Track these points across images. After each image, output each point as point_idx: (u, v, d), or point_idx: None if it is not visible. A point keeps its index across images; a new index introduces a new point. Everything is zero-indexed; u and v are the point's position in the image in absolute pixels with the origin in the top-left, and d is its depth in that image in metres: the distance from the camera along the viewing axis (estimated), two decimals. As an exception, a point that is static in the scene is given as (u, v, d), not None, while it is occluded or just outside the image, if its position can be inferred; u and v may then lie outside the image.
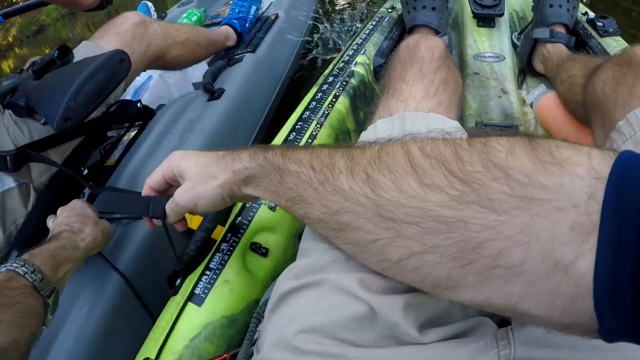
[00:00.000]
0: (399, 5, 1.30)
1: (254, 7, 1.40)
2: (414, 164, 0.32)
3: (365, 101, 1.04)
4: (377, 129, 0.59)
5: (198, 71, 1.31)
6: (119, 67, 0.83)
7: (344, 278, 0.41)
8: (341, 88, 0.96)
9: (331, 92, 0.94)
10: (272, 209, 0.72)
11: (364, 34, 1.19)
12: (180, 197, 0.51)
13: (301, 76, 1.61)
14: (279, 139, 0.83)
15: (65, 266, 0.60)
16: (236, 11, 1.37)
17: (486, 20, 1.26)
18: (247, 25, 1.38)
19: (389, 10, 1.32)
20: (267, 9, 1.56)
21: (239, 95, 1.12)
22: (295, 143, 0.81)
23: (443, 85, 0.62)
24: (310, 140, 0.83)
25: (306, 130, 0.84)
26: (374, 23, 1.25)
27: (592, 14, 1.18)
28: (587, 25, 1.16)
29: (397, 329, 0.38)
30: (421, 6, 1.12)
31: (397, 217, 0.32)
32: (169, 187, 0.56)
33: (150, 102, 1.30)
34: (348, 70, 1.02)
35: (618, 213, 0.23)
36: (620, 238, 0.23)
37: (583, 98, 0.71)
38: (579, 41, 1.11)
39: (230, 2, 1.43)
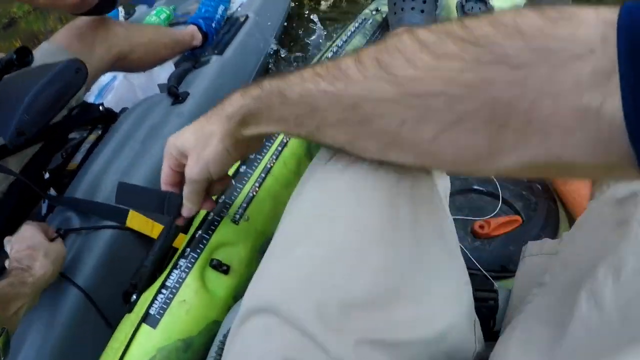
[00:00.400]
0: (384, 8, 1.28)
1: (221, 7, 1.37)
2: (421, 41, 0.32)
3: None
4: None
5: (164, 72, 1.27)
6: (74, 77, 0.82)
7: (295, 306, 0.36)
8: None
9: None
10: (235, 222, 0.68)
11: (345, 35, 1.15)
12: (191, 172, 0.49)
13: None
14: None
15: (15, 304, 0.59)
16: (202, 10, 1.35)
17: (471, 32, 1.24)
18: (213, 25, 1.36)
19: (373, 12, 1.29)
20: (237, 10, 1.52)
21: (204, 99, 1.09)
22: (264, 151, 0.77)
23: None
24: (280, 148, 0.79)
25: (276, 138, 0.80)
26: (357, 25, 1.21)
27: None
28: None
29: None
30: (410, 7, 1.10)
31: (422, 91, 0.32)
32: (182, 177, 0.54)
33: (115, 103, 1.26)
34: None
35: (632, 52, 0.24)
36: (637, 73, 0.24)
37: None
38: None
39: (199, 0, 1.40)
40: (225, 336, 0.49)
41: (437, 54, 0.31)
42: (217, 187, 0.56)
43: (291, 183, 0.80)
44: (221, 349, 0.48)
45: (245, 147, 0.50)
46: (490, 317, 0.60)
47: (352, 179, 0.42)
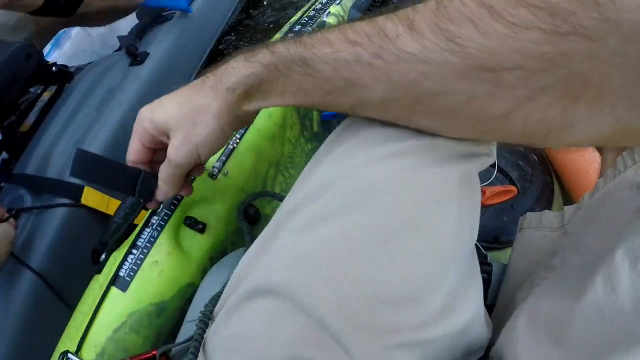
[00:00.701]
0: None
1: None
2: (490, 6, 0.28)
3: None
4: None
5: (125, 22, 1.12)
6: (25, 64, 0.77)
7: (315, 294, 0.32)
8: (309, 40, 0.84)
9: None
10: (212, 176, 0.62)
11: None
12: (176, 154, 0.43)
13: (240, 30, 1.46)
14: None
15: None
16: None
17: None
18: None
19: None
20: None
21: (165, 61, 0.98)
22: None
23: None
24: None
25: None
26: None
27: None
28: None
29: None
30: None
31: (494, 65, 0.29)
32: (154, 153, 0.48)
33: (71, 55, 1.14)
34: (319, 20, 0.90)
35: None
36: None
37: None
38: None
39: None
40: (208, 307, 0.44)
41: (511, 23, 0.28)
42: (197, 169, 0.51)
43: (276, 136, 0.74)
44: (204, 322, 0.43)
45: (239, 124, 0.44)
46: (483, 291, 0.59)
47: (401, 165, 0.36)
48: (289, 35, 0.84)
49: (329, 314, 0.30)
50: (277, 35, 0.85)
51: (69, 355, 0.50)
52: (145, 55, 0.95)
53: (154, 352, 0.47)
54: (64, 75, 0.96)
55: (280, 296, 0.32)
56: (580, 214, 0.49)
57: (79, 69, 1.03)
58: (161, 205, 0.58)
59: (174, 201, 0.59)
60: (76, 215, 0.76)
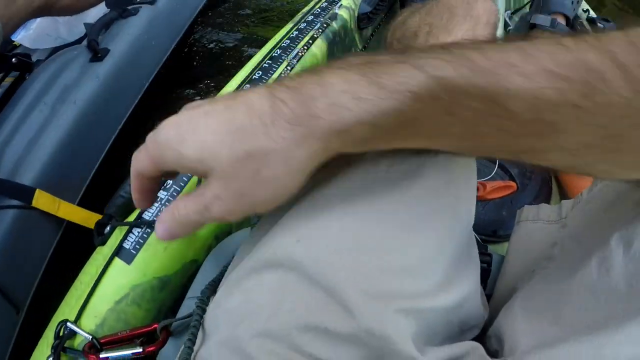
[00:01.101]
0: None
1: None
2: None
3: (343, 49, 0.96)
4: None
5: (94, 9, 1.06)
6: None
7: (325, 264, 0.33)
8: (320, 30, 0.87)
9: (309, 32, 0.86)
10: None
11: None
12: (224, 213, 0.31)
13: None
14: (238, 78, 0.74)
15: None
16: None
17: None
18: None
19: None
20: None
21: (125, 58, 0.95)
22: (262, 83, 0.73)
23: None
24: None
25: (274, 71, 0.75)
26: None
27: (593, 14, 1.19)
28: (586, 23, 1.16)
29: (388, 346, 0.31)
30: None
31: None
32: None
33: (35, 38, 1.08)
34: (331, 11, 0.93)
35: None
36: None
37: None
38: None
39: None
40: (204, 292, 0.46)
41: None
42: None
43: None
44: (203, 301, 0.44)
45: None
46: (482, 280, 0.61)
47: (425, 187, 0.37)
48: (301, 24, 0.86)
49: (337, 283, 0.32)
50: (289, 26, 0.87)
51: (68, 324, 0.50)
52: (106, 51, 0.92)
53: (155, 325, 0.49)
54: (24, 66, 0.95)
55: (287, 268, 0.33)
56: (579, 207, 0.52)
57: (39, 61, 1.01)
58: (170, 181, 0.60)
59: (184, 178, 0.61)
60: (26, 217, 0.73)
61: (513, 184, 0.77)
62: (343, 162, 0.38)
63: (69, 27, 1.15)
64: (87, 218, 0.63)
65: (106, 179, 0.83)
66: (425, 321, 0.34)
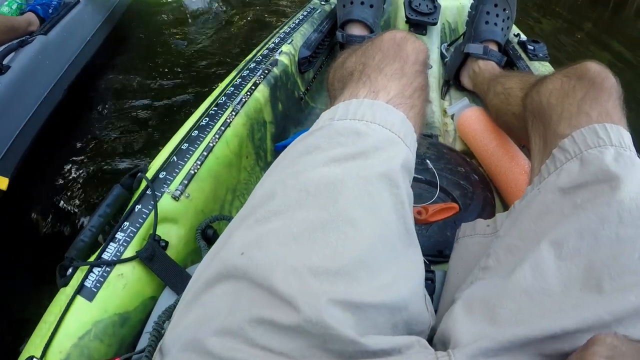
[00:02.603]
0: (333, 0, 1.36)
1: None
2: None
3: (285, 93, 1.07)
4: (338, 111, 0.58)
5: None
6: None
7: (267, 270, 0.42)
8: (262, 76, 0.98)
9: (251, 79, 0.97)
10: (175, 198, 0.72)
11: (293, 23, 1.22)
12: None
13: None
14: (189, 124, 0.84)
15: None
16: None
17: (418, 27, 1.35)
18: (50, 11, 1.64)
19: (322, 2, 1.37)
20: None
21: (23, 73, 1.35)
22: (207, 130, 0.82)
23: (419, 91, 0.63)
24: (223, 128, 0.84)
25: (220, 117, 0.85)
26: (305, 14, 1.29)
27: (523, 37, 1.31)
28: (517, 47, 1.28)
29: (328, 332, 0.39)
30: (359, 2, 1.18)
31: None
32: None
33: None
34: (272, 58, 1.04)
35: None
36: None
37: (521, 109, 0.77)
38: (508, 61, 1.23)
39: None
40: (161, 317, 0.54)
41: None
42: None
43: (232, 163, 0.85)
44: (157, 330, 0.52)
45: None
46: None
47: (331, 170, 0.49)
48: (244, 72, 0.97)
49: (278, 283, 0.41)
50: (233, 74, 0.98)
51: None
52: (7, 67, 1.30)
53: (117, 358, 0.56)
54: None
55: (236, 278, 0.43)
56: (511, 218, 0.61)
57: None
58: (126, 223, 0.67)
59: (139, 219, 0.68)
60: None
61: (455, 205, 0.86)
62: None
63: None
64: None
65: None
66: (367, 318, 0.42)
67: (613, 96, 0.61)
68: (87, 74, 1.73)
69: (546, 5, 3.50)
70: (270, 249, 0.43)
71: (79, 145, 1.53)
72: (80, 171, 1.43)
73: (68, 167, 1.45)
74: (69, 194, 1.37)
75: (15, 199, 1.22)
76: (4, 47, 1.38)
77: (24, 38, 1.47)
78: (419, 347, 0.43)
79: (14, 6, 1.67)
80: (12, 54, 1.38)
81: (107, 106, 1.72)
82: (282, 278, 0.41)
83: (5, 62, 1.33)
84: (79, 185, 1.39)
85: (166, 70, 1.97)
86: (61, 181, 1.41)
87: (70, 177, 1.43)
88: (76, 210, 1.32)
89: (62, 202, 1.35)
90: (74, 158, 1.47)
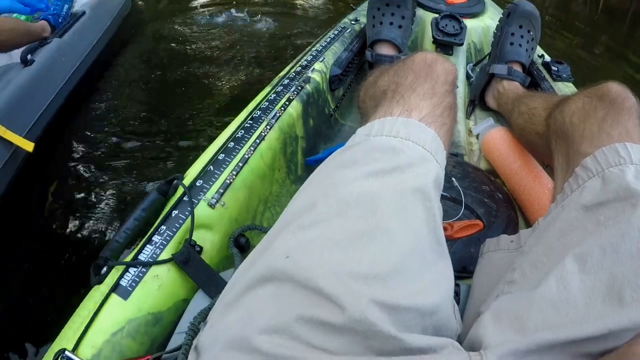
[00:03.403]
0: (362, 19, 1.39)
1: (66, 6, 2.04)
2: None
3: (316, 109, 1.09)
4: (374, 127, 0.61)
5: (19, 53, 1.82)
6: None
7: (311, 272, 0.44)
8: (295, 92, 1.01)
9: (285, 94, 1.00)
10: (211, 206, 0.75)
11: (325, 41, 1.26)
12: None
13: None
14: (225, 135, 0.87)
15: None
16: (52, 9, 1.97)
17: (445, 47, 1.37)
18: (60, 20, 1.98)
19: (352, 22, 1.40)
20: (80, 8, 2.22)
21: (46, 65, 1.72)
22: (243, 142, 0.85)
23: (449, 110, 0.65)
24: (258, 141, 0.86)
25: (255, 130, 0.88)
26: (336, 32, 1.32)
27: (548, 58, 1.32)
28: (541, 68, 1.29)
29: (371, 329, 0.41)
30: (388, 22, 1.21)
31: None
32: None
33: None
34: (304, 75, 1.07)
35: None
36: None
37: (545, 128, 0.79)
38: (532, 82, 1.24)
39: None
40: (197, 318, 0.56)
41: None
42: None
43: (266, 175, 0.88)
44: (193, 330, 0.54)
45: None
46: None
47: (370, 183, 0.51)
48: (278, 88, 1.01)
49: (324, 283, 0.43)
50: (267, 89, 1.01)
51: (66, 352, 0.57)
52: (33, 61, 1.67)
53: (147, 357, 0.58)
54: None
55: (280, 280, 0.45)
56: (535, 235, 0.63)
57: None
58: (163, 227, 0.70)
59: (176, 224, 0.71)
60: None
61: (479, 222, 0.87)
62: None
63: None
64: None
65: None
66: (401, 320, 0.44)
67: (633, 116, 0.62)
68: (95, 69, 2.19)
69: (564, 19, 3.52)
70: (314, 254, 0.46)
71: (88, 130, 1.95)
72: (85, 150, 1.84)
73: (80, 146, 1.85)
74: (84, 166, 1.75)
75: (37, 165, 1.60)
76: (27, 46, 1.73)
77: (43, 40, 1.83)
78: (452, 347, 0.45)
79: (22, 18, 2.04)
80: (36, 51, 1.76)
81: (109, 95, 2.20)
82: (326, 280, 0.43)
83: (29, 57, 1.69)
84: (88, 161, 1.77)
85: (164, 62, 2.48)
86: (78, 154, 1.82)
87: (82, 153, 1.82)
88: (87, 181, 1.68)
89: (79, 169, 1.73)
90: (84, 142, 1.88)
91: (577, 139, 0.64)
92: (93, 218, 1.50)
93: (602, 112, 0.63)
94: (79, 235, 1.44)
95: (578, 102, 0.68)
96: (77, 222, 1.49)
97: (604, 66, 2.79)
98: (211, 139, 0.87)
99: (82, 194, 1.60)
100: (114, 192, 1.61)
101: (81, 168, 1.71)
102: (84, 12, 2.17)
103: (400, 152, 0.55)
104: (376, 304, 0.42)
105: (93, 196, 1.59)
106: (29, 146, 1.43)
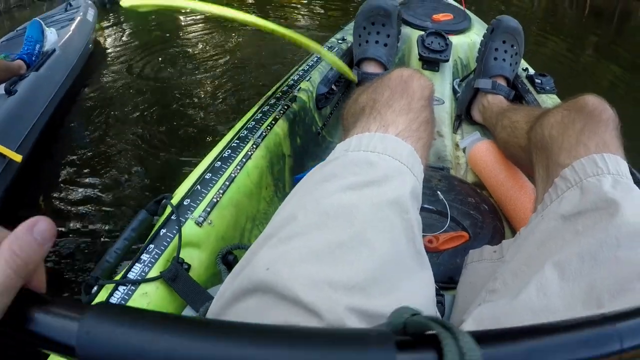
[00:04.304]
0: (349, 38, 1.42)
1: (37, 45, 2.50)
2: None
3: (303, 127, 1.12)
4: (352, 143, 0.62)
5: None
6: None
7: (291, 282, 0.45)
8: (282, 112, 1.03)
9: (271, 114, 1.02)
10: (198, 224, 0.76)
11: (312, 60, 1.29)
12: None
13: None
14: (212, 155, 0.89)
15: None
16: (25, 49, 2.43)
17: (431, 64, 1.40)
18: (33, 58, 2.43)
19: (340, 41, 1.44)
20: (50, 46, 2.64)
21: (27, 93, 2.15)
22: (229, 161, 0.87)
23: (425, 125, 0.67)
24: (244, 160, 0.88)
25: (242, 149, 0.90)
26: None
27: (532, 71, 1.35)
28: (525, 81, 1.32)
29: None
30: (374, 41, 1.24)
31: None
32: None
33: None
34: (291, 94, 1.10)
35: None
36: None
37: (526, 141, 0.81)
38: (516, 95, 1.26)
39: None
40: None
41: None
42: None
43: (253, 194, 0.90)
44: None
45: None
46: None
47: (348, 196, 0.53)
48: (264, 107, 1.03)
49: (302, 293, 0.44)
50: (254, 109, 1.03)
51: None
52: (15, 91, 2.08)
53: None
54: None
55: (262, 292, 0.47)
56: (516, 244, 0.64)
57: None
58: (151, 245, 0.72)
59: (164, 243, 0.72)
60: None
61: (465, 233, 0.89)
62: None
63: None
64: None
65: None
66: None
67: (610, 127, 0.64)
68: (68, 96, 2.70)
69: (553, 22, 3.60)
70: (293, 265, 0.48)
71: (69, 152, 2.34)
72: (68, 165, 2.23)
73: (65, 159, 2.26)
74: (73, 175, 2.15)
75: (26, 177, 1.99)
76: (8, 80, 2.15)
77: (21, 75, 2.24)
78: None
79: (1, 57, 2.54)
80: (18, 83, 2.16)
81: (81, 117, 2.71)
82: (305, 289, 0.45)
83: (12, 88, 2.11)
84: (73, 172, 2.17)
85: (130, 89, 2.99)
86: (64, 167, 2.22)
87: (68, 166, 2.22)
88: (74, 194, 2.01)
89: (62, 185, 2.07)
90: (68, 155, 2.30)
91: (556, 150, 0.66)
92: (77, 232, 1.73)
93: (580, 124, 0.65)
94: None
95: (557, 115, 0.70)
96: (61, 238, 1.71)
97: (594, 65, 2.85)
98: (195, 157, 0.90)
99: (66, 206, 1.91)
100: (93, 205, 1.92)
101: (62, 185, 2.07)
102: (54, 50, 2.61)
103: (377, 165, 0.57)
104: (353, 312, 0.44)
105: (73, 208, 1.91)
106: (17, 158, 1.82)
